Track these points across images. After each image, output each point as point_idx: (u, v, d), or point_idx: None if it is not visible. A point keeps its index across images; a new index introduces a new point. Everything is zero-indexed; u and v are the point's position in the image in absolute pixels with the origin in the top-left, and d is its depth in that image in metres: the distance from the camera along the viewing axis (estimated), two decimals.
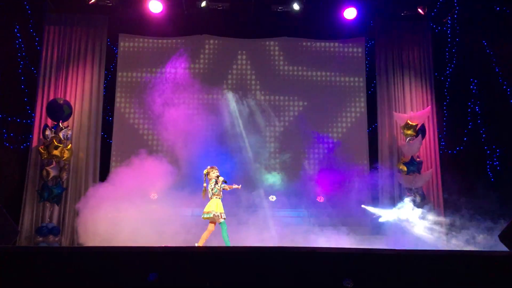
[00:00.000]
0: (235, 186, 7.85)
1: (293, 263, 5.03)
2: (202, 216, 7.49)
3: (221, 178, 7.52)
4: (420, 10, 11.23)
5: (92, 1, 10.84)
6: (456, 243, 9.43)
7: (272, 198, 10.69)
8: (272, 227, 9.85)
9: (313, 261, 5.03)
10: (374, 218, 10.43)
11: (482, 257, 5.26)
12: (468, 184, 10.16)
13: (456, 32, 11.51)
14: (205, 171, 7.62)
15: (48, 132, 10.18)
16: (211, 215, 7.34)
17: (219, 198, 7.50)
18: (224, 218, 7.41)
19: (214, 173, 7.58)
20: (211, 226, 7.45)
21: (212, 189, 7.50)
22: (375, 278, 4.93)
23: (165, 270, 4.86)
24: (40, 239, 9.73)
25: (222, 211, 7.44)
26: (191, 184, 9.46)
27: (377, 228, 10.36)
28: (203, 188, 7.56)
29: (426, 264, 5.04)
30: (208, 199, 7.54)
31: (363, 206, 10.44)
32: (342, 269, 4.91)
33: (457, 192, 10.22)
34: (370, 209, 10.41)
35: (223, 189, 7.59)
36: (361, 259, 5.09)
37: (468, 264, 5.04)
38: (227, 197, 8.02)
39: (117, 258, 5.05)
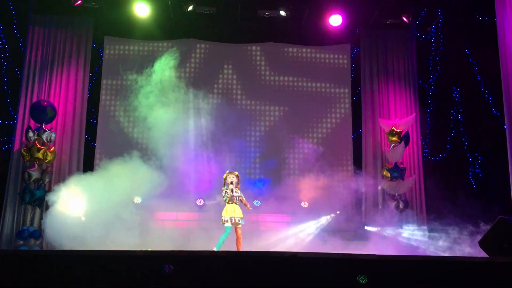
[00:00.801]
0: (247, 205, 7.83)
1: (275, 268, 5.03)
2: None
3: (230, 186, 7.56)
4: (404, 19, 11.36)
5: (78, 3, 10.76)
6: (437, 249, 9.52)
7: (257, 203, 10.68)
8: (256, 232, 9.85)
9: (295, 266, 5.03)
10: (358, 224, 10.49)
11: (463, 263, 5.31)
12: (451, 191, 10.27)
13: (440, 40, 11.68)
14: (224, 176, 7.69)
15: (30, 134, 10.06)
16: (222, 219, 7.48)
17: (230, 203, 7.54)
18: (233, 223, 7.42)
19: (229, 179, 7.62)
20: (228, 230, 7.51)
21: (223, 195, 7.58)
22: (358, 284, 4.95)
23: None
24: (21, 242, 9.59)
25: (231, 215, 7.46)
26: (175, 188, 9.45)
27: (360, 233, 10.42)
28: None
29: (407, 270, 5.08)
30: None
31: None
32: (325, 274, 4.92)
33: (439, 198, 10.33)
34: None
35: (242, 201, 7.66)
36: (342, 264, 5.10)
37: (448, 270, 5.09)
38: None
39: (102, 262, 5.00)
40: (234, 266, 4.97)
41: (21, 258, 5.08)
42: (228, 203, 7.55)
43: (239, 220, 7.44)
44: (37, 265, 4.94)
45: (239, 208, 7.56)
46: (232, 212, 7.46)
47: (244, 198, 7.67)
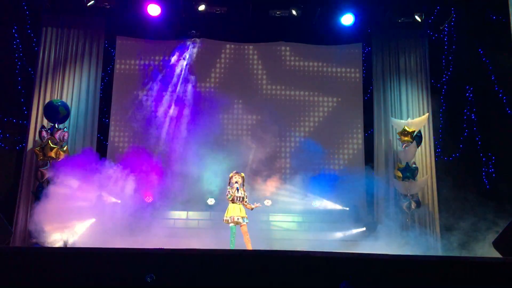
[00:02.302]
0: (255, 205, 7.82)
1: (288, 267, 5.02)
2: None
3: (235, 185, 7.57)
4: (417, 18, 11.28)
5: (90, 3, 10.84)
6: (451, 249, 9.45)
7: (268, 202, 10.69)
8: (267, 232, 9.85)
9: (307, 265, 5.02)
10: (368, 223, 10.44)
11: (476, 263, 5.27)
12: (464, 191, 10.19)
13: (453, 39, 11.58)
14: (230, 175, 7.71)
15: (44, 133, 10.16)
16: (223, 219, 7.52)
17: (233, 203, 7.56)
18: (234, 222, 7.43)
19: (234, 179, 7.64)
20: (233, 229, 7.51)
21: (226, 194, 7.59)
22: (370, 282, 4.93)
23: (159, 272, 4.85)
24: (34, 240, 9.67)
25: (231, 215, 7.47)
26: (186, 187, 9.50)
27: (371, 232, 10.37)
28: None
29: (420, 270, 5.05)
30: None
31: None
32: (336, 273, 4.90)
33: (452, 199, 10.26)
34: None
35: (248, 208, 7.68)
36: (355, 264, 5.09)
37: (462, 270, 5.05)
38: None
39: (112, 259, 5.03)
40: (245, 265, 4.98)
41: (36, 255, 5.14)
42: (231, 202, 7.56)
43: (239, 219, 7.44)
44: (50, 262, 4.99)
45: (242, 207, 7.56)
46: (232, 211, 7.49)
47: (247, 200, 7.66)
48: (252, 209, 7.68)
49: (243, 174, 7.75)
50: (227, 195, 7.57)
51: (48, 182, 9.92)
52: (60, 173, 9.39)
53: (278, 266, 5.01)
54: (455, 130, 11.35)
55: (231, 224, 7.45)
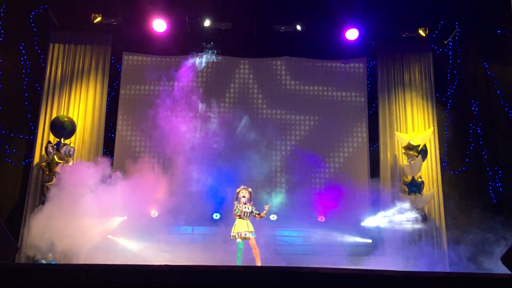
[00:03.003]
0: (265, 208, 7.80)
1: (295, 283, 4.99)
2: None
3: (242, 200, 7.58)
4: (421, 32, 11.31)
5: (97, 20, 10.97)
6: (458, 265, 9.36)
7: (273, 217, 10.66)
8: (273, 247, 9.80)
9: (315, 281, 4.98)
10: (375, 238, 10.39)
11: (484, 279, 5.21)
12: (470, 206, 10.12)
13: (457, 53, 11.61)
14: (237, 190, 7.73)
15: (50, 148, 10.22)
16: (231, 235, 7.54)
17: (240, 218, 7.57)
18: (242, 238, 7.41)
19: (241, 194, 7.65)
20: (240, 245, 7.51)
21: (234, 209, 7.57)
22: None
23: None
24: (39, 256, 9.66)
25: (238, 230, 7.47)
26: (191, 202, 9.48)
27: (377, 246, 10.31)
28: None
29: (426, 286, 5.00)
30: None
31: (362, 223, 10.44)
32: None
33: (459, 213, 10.19)
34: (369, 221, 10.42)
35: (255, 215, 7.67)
36: (361, 280, 5.05)
37: (469, 287, 4.99)
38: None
39: (116, 276, 5.01)
40: (257, 281, 4.94)
41: (40, 271, 5.13)
42: (238, 218, 7.55)
43: (247, 234, 7.42)
44: (54, 278, 4.97)
45: (249, 222, 7.55)
46: (239, 227, 7.48)
47: (256, 212, 7.66)
48: (265, 214, 7.69)
49: (250, 189, 7.75)
50: (235, 210, 7.56)
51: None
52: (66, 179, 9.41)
53: (285, 283, 4.98)
54: (461, 144, 11.31)
55: (238, 240, 7.42)
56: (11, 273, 4.99)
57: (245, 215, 7.53)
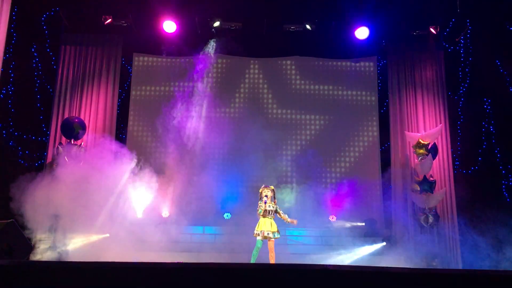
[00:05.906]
0: (287, 219, 7.75)
1: (305, 281, 4.96)
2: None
3: (264, 199, 7.48)
4: (432, 30, 11.23)
5: (107, 22, 11.05)
6: (470, 263, 9.26)
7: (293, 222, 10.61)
8: (284, 246, 9.76)
9: (325, 279, 4.95)
10: (387, 236, 10.31)
11: (498, 277, 5.14)
12: (484, 204, 10.00)
13: (469, 51, 11.49)
14: (260, 190, 7.68)
15: (60, 149, 10.28)
16: (254, 233, 7.44)
17: (264, 217, 7.46)
18: (264, 237, 7.37)
19: (264, 193, 7.59)
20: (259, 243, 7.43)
21: (257, 209, 7.55)
22: None
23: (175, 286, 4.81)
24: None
25: (262, 229, 7.38)
26: (200, 202, 9.50)
27: (389, 246, 10.22)
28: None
29: (439, 283, 4.94)
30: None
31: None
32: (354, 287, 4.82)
33: (472, 212, 10.08)
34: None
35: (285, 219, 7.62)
36: (373, 277, 5.00)
37: (483, 285, 4.93)
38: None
39: (126, 274, 5.02)
40: (268, 278, 4.91)
41: (54, 269, 5.15)
42: (262, 217, 7.51)
43: (269, 233, 7.37)
44: (67, 275, 4.99)
45: (273, 222, 7.48)
46: (263, 225, 7.42)
47: (281, 212, 7.59)
48: (288, 222, 7.62)
49: (272, 187, 7.67)
50: (258, 210, 7.50)
51: None
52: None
53: (294, 280, 4.95)
54: (474, 143, 11.19)
55: (258, 238, 7.38)
56: (11, 272, 5.01)
57: (269, 213, 7.47)
